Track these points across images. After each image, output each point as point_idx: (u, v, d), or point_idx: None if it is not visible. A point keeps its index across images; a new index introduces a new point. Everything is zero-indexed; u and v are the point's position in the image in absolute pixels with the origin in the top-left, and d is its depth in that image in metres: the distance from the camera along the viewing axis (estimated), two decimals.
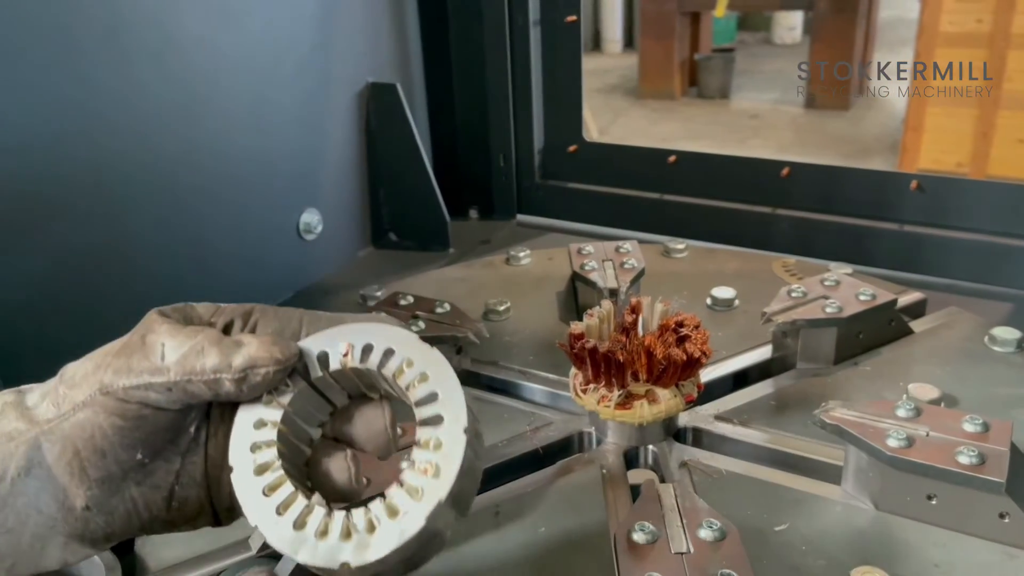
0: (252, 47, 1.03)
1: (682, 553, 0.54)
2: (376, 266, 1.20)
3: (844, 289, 0.87)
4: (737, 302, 0.97)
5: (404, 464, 0.42)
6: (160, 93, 0.93)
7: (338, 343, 0.46)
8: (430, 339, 0.83)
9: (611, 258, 0.98)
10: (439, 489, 0.41)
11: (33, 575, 0.45)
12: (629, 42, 6.97)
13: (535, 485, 0.71)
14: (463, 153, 1.32)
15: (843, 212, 1.13)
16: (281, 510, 0.42)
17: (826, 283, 0.88)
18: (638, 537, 0.55)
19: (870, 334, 0.85)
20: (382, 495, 0.42)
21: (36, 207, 0.82)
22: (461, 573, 0.60)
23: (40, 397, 0.45)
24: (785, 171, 1.14)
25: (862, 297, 0.84)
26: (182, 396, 0.43)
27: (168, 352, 0.43)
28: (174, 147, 0.94)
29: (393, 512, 0.41)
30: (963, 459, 0.59)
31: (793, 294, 0.86)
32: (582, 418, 0.78)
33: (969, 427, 0.62)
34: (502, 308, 0.99)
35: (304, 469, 0.47)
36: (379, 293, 0.98)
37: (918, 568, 0.58)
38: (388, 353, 0.45)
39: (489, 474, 0.73)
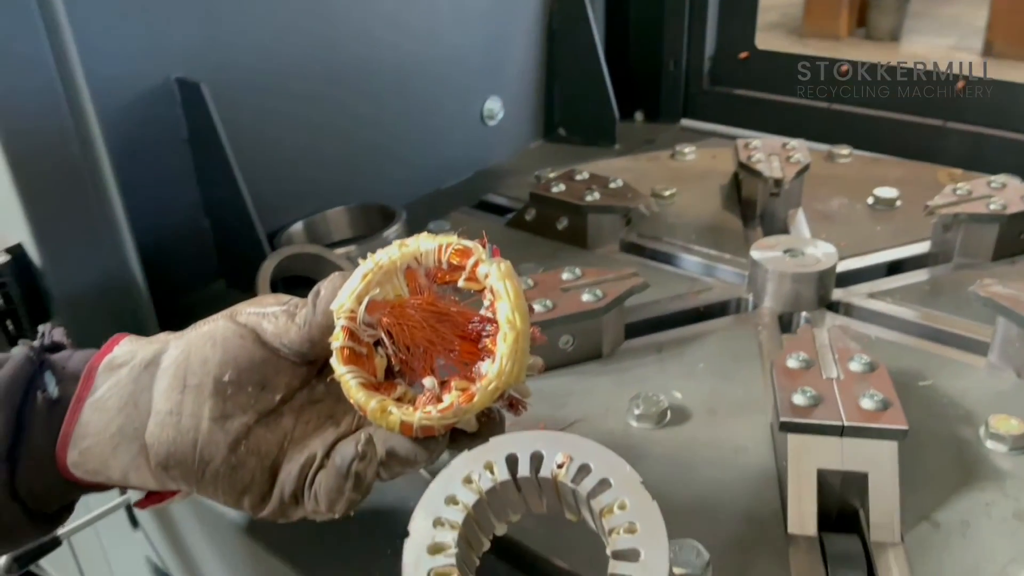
0: None
1: (833, 378, 0.61)
2: (545, 156, 1.29)
3: (1010, 191, 0.89)
4: (899, 203, 1.00)
5: None
6: None
7: (557, 452, 0.43)
8: (601, 208, 0.93)
9: (777, 153, 1.03)
10: None
11: (89, 482, 0.49)
12: None
13: (695, 334, 0.79)
14: (635, 56, 1.38)
15: (1018, 128, 1.11)
16: None
17: (992, 185, 0.90)
18: (792, 363, 0.63)
19: None
20: None
21: (294, 92, 0.96)
22: (624, 389, 0.69)
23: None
24: (960, 84, 1.14)
25: None
26: (288, 327, 0.48)
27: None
28: (387, 37, 1.05)
29: None
30: None
31: (958, 192, 0.89)
32: (740, 286, 0.85)
33: None
34: (668, 194, 1.06)
35: (475, 561, 0.45)
36: (552, 175, 1.07)
37: None
38: (603, 484, 0.42)
39: (652, 323, 0.82)
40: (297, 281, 0.88)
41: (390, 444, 0.46)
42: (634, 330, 0.79)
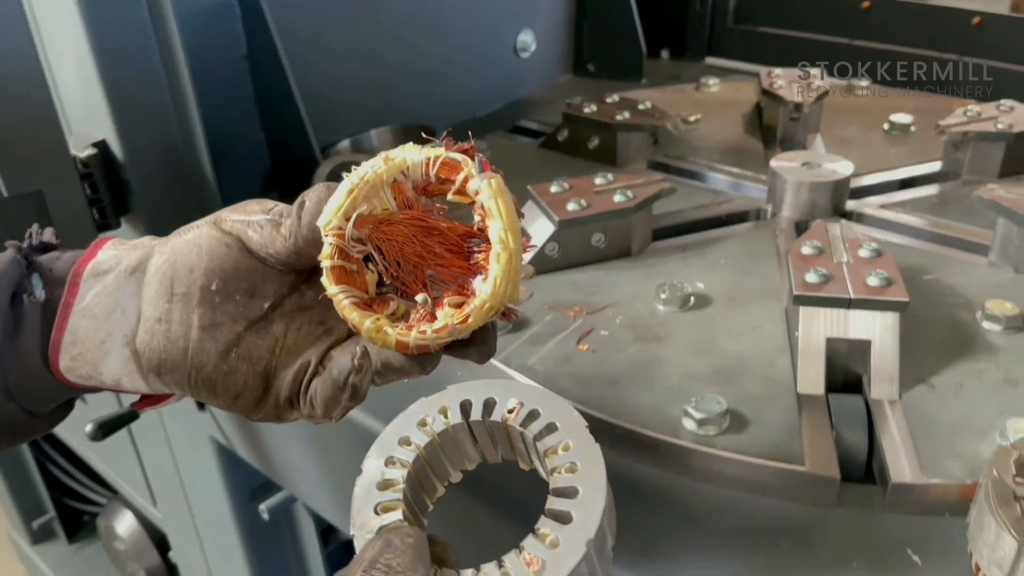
0: None
1: (843, 262, 0.67)
2: (575, 90, 1.34)
3: (1018, 113, 0.94)
4: (914, 128, 1.05)
5: (513, 551, 0.40)
6: None
7: (510, 398, 0.45)
8: (631, 126, 0.99)
9: (798, 80, 1.08)
10: None
11: (83, 385, 0.49)
12: None
13: (717, 237, 0.85)
14: None
15: None
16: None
17: (1001, 107, 0.95)
18: (806, 250, 0.69)
19: None
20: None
21: (344, 16, 1.02)
22: (651, 281, 0.76)
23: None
24: (976, 20, 1.18)
25: None
26: (273, 238, 0.47)
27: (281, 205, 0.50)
28: None
29: None
30: None
31: (968, 113, 0.94)
32: (760, 199, 0.91)
33: None
34: (693, 119, 1.12)
35: (427, 504, 0.46)
36: (580, 102, 1.12)
37: None
38: (550, 427, 0.44)
39: (677, 228, 0.88)
40: None
41: (385, 356, 0.46)
42: (661, 234, 0.86)
